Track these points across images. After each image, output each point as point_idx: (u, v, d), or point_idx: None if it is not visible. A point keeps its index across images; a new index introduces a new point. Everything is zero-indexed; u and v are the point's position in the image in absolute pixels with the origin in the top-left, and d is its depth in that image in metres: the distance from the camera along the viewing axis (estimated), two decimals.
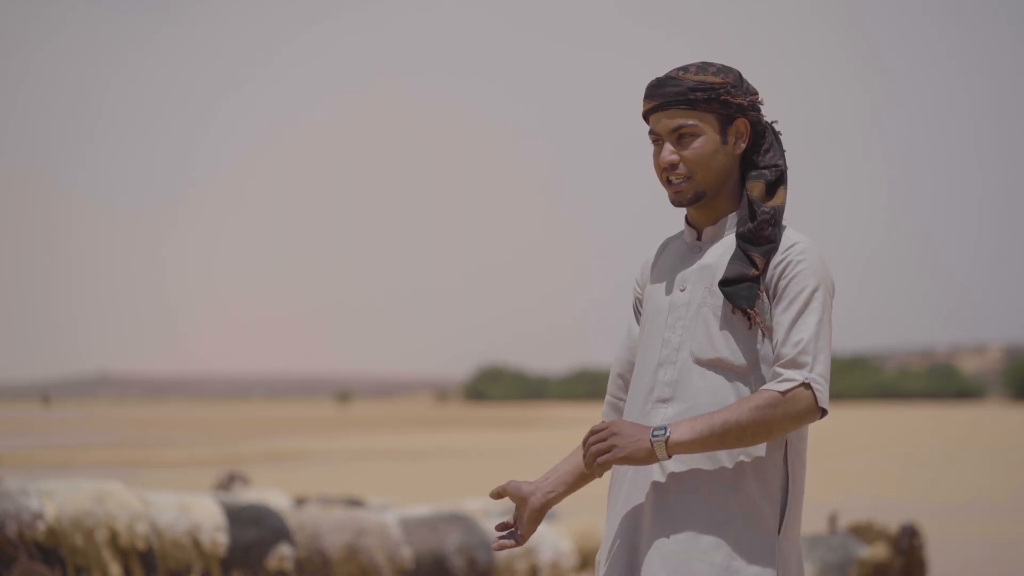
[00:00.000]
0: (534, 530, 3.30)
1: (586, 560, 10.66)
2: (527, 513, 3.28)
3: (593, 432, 3.09)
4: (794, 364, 3.08)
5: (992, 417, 75.69)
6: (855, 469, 31.26)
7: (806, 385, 3.06)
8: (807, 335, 3.10)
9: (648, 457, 3.05)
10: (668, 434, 3.04)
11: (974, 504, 22.35)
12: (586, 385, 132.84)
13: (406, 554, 10.09)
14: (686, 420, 3.06)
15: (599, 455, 3.07)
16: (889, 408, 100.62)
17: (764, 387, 3.08)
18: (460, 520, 10.41)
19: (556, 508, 12.89)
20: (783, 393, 3.05)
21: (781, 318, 3.12)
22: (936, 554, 13.73)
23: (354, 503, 12.14)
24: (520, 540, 3.30)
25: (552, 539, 10.39)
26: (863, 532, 10.06)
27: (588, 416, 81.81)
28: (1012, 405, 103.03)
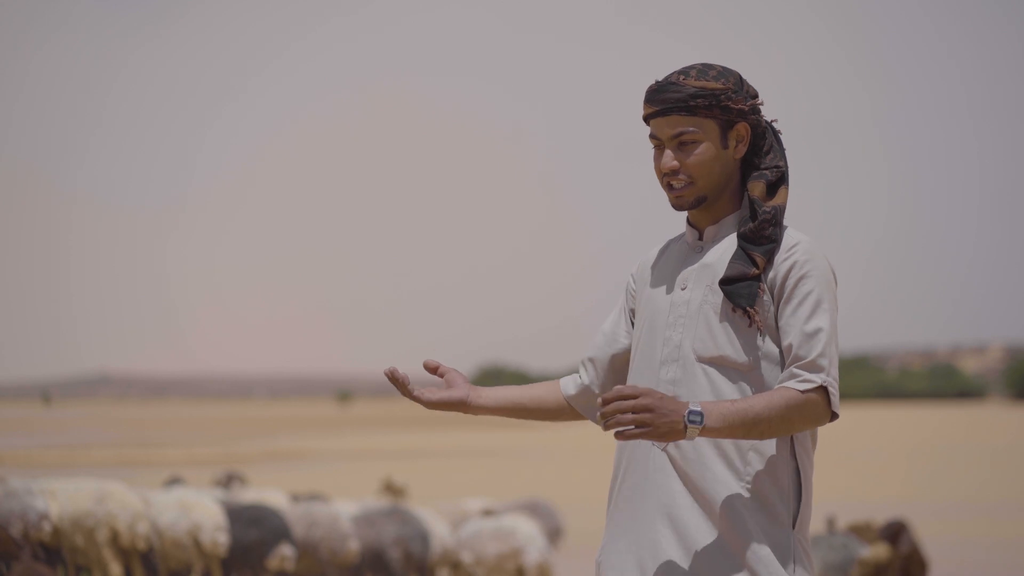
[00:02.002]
0: (433, 405, 3.29)
1: None
2: (443, 392, 3.29)
3: (621, 396, 2.97)
4: (813, 367, 3.10)
5: (993, 417, 75.71)
6: (855, 469, 31.26)
7: (823, 389, 3.10)
8: (823, 338, 3.12)
9: (673, 437, 3.00)
10: (704, 423, 2.99)
11: (975, 504, 22.35)
12: None
13: (353, 547, 10.24)
14: (718, 406, 3.01)
15: (621, 425, 2.97)
16: (890, 408, 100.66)
17: (784, 384, 3.09)
18: (397, 513, 10.60)
19: (563, 522, 12.87)
20: (803, 393, 3.08)
21: (792, 319, 3.14)
22: (936, 554, 13.72)
23: (317, 499, 12.20)
24: (410, 389, 3.24)
25: (538, 539, 10.44)
26: (863, 532, 10.07)
27: None
28: (1013, 405, 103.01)
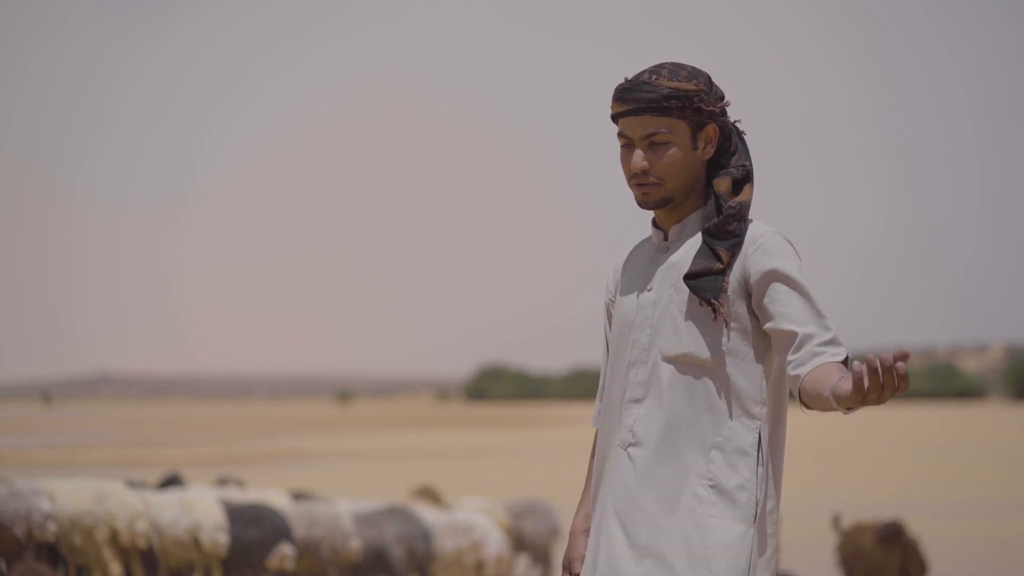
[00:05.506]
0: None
1: None
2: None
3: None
4: (834, 342, 3.10)
5: (993, 417, 75.66)
6: (856, 469, 31.26)
7: (846, 361, 3.12)
8: (821, 319, 3.13)
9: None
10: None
11: (974, 504, 22.36)
12: (587, 384, 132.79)
13: (355, 546, 10.26)
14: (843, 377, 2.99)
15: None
16: (890, 408, 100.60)
17: (824, 362, 3.07)
18: (399, 512, 10.62)
19: (561, 522, 12.89)
20: (843, 362, 3.09)
21: (784, 302, 3.14)
22: (936, 554, 13.72)
23: (303, 497, 12.24)
24: None
25: (496, 533, 10.50)
26: (864, 531, 10.10)
27: (589, 415, 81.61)
28: (1013, 405, 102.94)
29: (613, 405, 3.28)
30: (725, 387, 3.17)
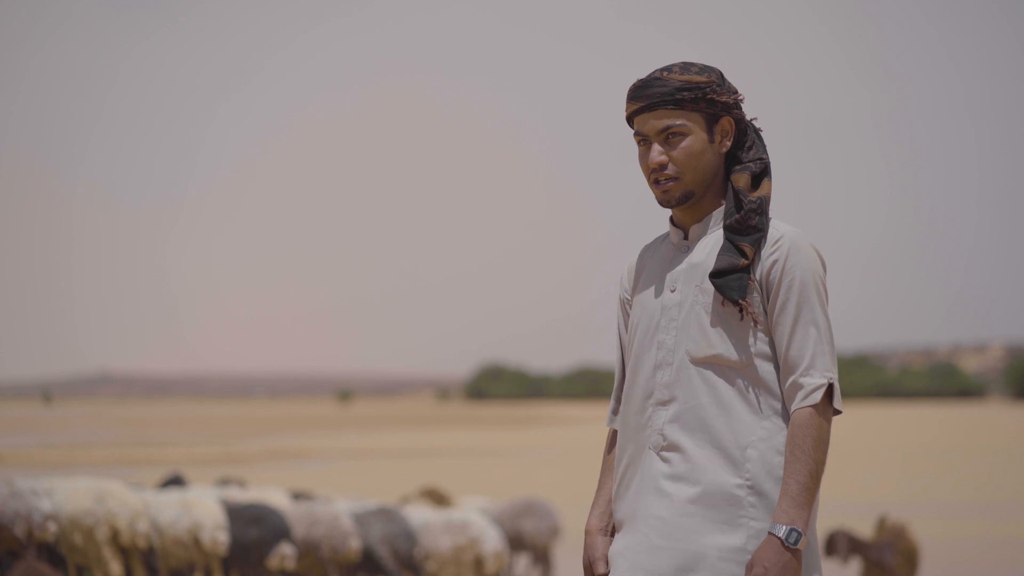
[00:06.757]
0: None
1: None
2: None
3: None
4: (814, 368, 3.12)
5: (993, 416, 75.67)
6: (856, 469, 31.26)
7: (830, 386, 3.12)
8: (813, 336, 3.14)
9: (798, 562, 3.07)
10: (799, 530, 3.05)
11: (974, 504, 22.36)
12: (587, 383, 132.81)
13: (355, 545, 10.28)
14: (785, 502, 3.06)
15: None
16: (890, 407, 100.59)
17: (795, 407, 3.12)
18: (384, 512, 10.64)
19: (561, 521, 12.92)
20: (816, 406, 3.11)
21: (782, 324, 3.15)
22: (936, 554, 13.74)
23: (303, 497, 12.25)
24: None
25: (492, 530, 10.52)
26: (897, 532, 10.15)
27: (589, 414, 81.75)
28: (1013, 404, 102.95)
29: (637, 407, 3.25)
30: (755, 387, 3.16)
